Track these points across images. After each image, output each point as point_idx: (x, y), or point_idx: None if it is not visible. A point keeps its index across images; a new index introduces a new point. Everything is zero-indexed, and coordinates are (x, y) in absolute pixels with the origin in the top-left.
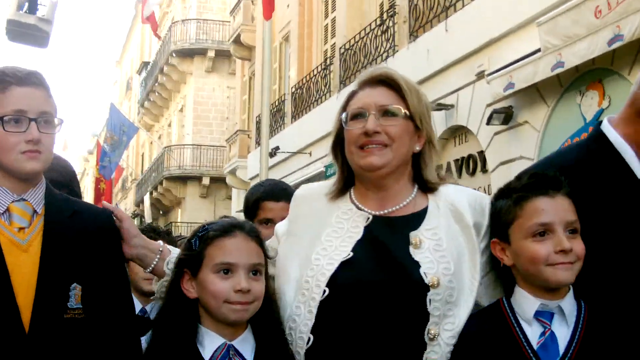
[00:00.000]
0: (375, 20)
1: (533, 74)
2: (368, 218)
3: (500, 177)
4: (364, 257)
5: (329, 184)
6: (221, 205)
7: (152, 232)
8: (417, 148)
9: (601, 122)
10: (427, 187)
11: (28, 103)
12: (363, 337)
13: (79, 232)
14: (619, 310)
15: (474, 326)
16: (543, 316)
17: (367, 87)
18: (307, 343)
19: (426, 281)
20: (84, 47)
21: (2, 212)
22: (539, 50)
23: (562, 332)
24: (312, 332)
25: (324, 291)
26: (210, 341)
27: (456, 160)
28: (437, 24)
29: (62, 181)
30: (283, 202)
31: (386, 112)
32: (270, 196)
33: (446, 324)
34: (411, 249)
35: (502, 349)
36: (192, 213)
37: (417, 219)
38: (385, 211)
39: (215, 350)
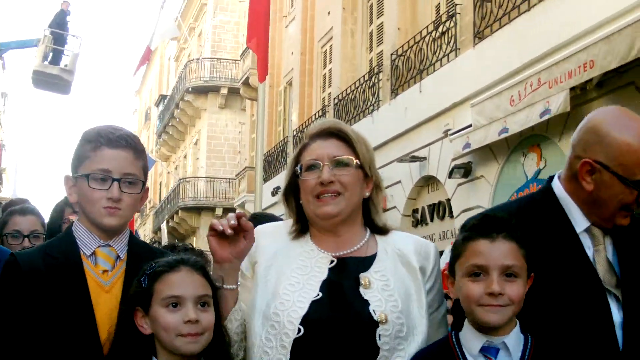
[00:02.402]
0: (364, 76)
1: (484, 137)
2: (332, 261)
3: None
4: (328, 297)
5: (288, 224)
6: None
7: (171, 249)
8: (367, 194)
9: (552, 177)
10: (378, 230)
11: (114, 164)
12: None
13: None
14: (561, 346)
15: (422, 359)
16: (488, 352)
17: (319, 139)
18: None
19: (375, 318)
20: (105, 76)
21: (89, 254)
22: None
23: None
24: None
25: (299, 329)
26: None
27: (429, 206)
28: (413, 84)
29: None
30: None
31: (339, 163)
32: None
33: (396, 358)
34: (361, 289)
35: None
36: (206, 241)
37: (367, 261)
38: (341, 253)
39: None
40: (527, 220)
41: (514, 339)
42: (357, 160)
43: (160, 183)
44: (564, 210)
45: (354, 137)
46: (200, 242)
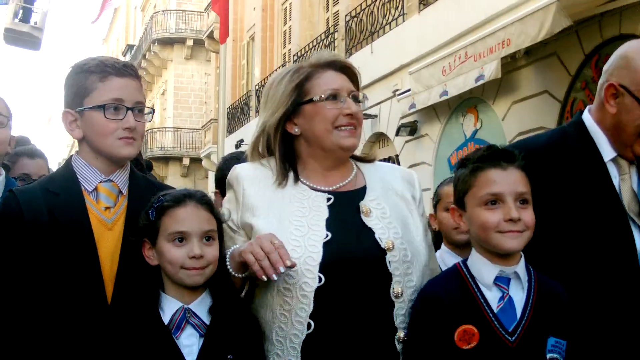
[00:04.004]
0: (321, 35)
1: (427, 98)
2: (329, 198)
3: None
4: (337, 234)
5: (267, 165)
6: (200, 183)
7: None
8: None
9: (583, 111)
10: (361, 160)
11: (126, 93)
12: (351, 309)
13: None
14: (569, 277)
15: (435, 290)
16: (501, 281)
17: (330, 70)
18: (309, 328)
19: (382, 245)
20: (72, 23)
21: (91, 190)
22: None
23: (518, 296)
24: (310, 316)
25: (320, 278)
26: (169, 306)
27: (380, 160)
28: (365, 45)
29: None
30: None
31: (355, 97)
32: None
33: (408, 282)
34: (363, 217)
35: (464, 312)
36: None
37: (361, 192)
38: (335, 187)
39: (174, 314)
40: (558, 149)
41: (522, 269)
42: (362, 94)
43: None
44: (592, 140)
45: (358, 73)
46: None
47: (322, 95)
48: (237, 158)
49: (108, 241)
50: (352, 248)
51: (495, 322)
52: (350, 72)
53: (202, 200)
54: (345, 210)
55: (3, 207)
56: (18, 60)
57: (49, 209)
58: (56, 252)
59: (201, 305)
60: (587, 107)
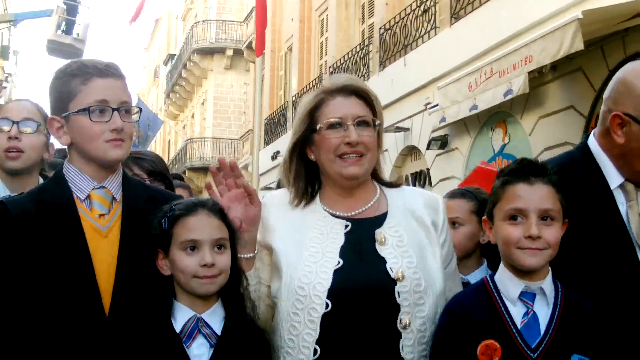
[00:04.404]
0: (356, 47)
1: (457, 112)
2: (347, 225)
3: (440, 192)
4: (349, 262)
5: (287, 192)
6: None
7: (176, 178)
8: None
9: (589, 135)
10: (387, 184)
11: (110, 93)
12: (356, 337)
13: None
14: (596, 293)
15: (461, 304)
16: (526, 297)
17: (339, 96)
18: (315, 354)
19: (392, 276)
20: (116, 32)
21: (83, 198)
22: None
23: (543, 312)
24: (317, 342)
25: (327, 304)
26: (181, 315)
27: (412, 174)
28: (399, 57)
29: (160, 170)
30: None
31: (361, 123)
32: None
33: (418, 312)
34: (377, 246)
35: (488, 327)
36: None
37: (380, 219)
38: (355, 212)
39: (186, 323)
40: (565, 176)
41: (549, 285)
42: (377, 121)
43: (169, 141)
44: (599, 166)
45: (373, 98)
46: None
47: (324, 125)
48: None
49: (103, 250)
50: (361, 277)
51: (518, 338)
52: (365, 95)
53: (213, 208)
54: (361, 238)
55: None
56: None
57: (41, 219)
58: (49, 264)
59: (213, 315)
60: (592, 132)
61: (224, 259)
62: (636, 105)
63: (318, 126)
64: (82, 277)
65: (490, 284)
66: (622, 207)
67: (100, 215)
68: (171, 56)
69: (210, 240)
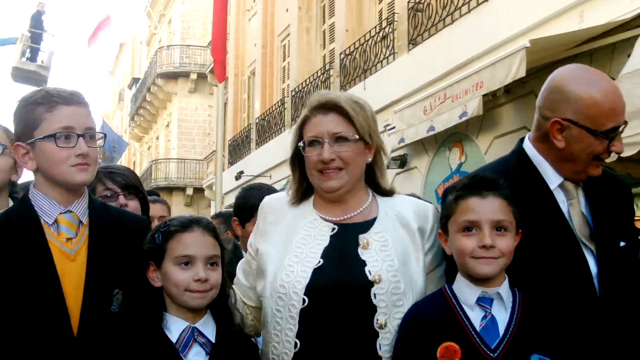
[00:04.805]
0: (317, 71)
1: (415, 133)
2: (334, 229)
3: None
4: (330, 262)
5: (289, 195)
6: (203, 212)
7: (152, 194)
8: (369, 159)
9: (523, 139)
10: (381, 192)
11: (75, 120)
12: (334, 333)
13: (118, 239)
14: (548, 293)
15: (420, 310)
16: (484, 302)
17: (319, 114)
18: (295, 347)
19: (370, 278)
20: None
21: (51, 222)
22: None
23: (501, 316)
24: (297, 336)
25: (304, 300)
26: (175, 325)
27: None
28: (359, 82)
29: (134, 184)
30: None
31: (339, 139)
32: None
33: (396, 313)
34: (360, 250)
35: (448, 331)
36: None
37: (368, 224)
38: (344, 217)
39: (181, 333)
40: (504, 180)
41: (505, 290)
42: (355, 135)
43: (134, 162)
44: (536, 168)
45: (351, 111)
46: None
47: (306, 143)
48: (257, 189)
49: (71, 272)
50: (338, 275)
51: (478, 340)
52: (344, 111)
53: (208, 227)
54: (346, 241)
55: None
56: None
57: (8, 244)
58: (19, 288)
59: (206, 325)
60: (527, 135)
61: (215, 275)
62: (574, 109)
63: (301, 144)
64: (50, 299)
65: (448, 292)
66: (564, 205)
67: (68, 239)
68: (135, 80)
69: (204, 256)
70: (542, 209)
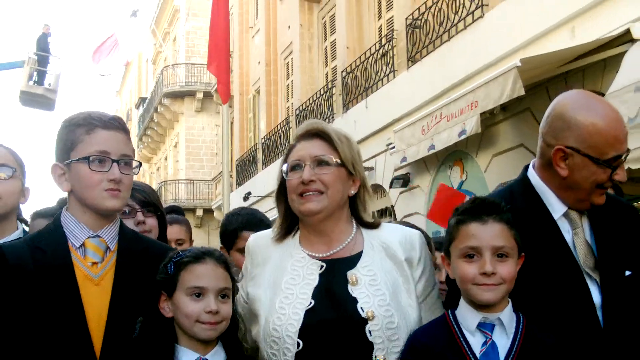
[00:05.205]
0: (320, 90)
1: (417, 152)
2: (322, 266)
3: None
4: (321, 302)
5: (274, 230)
6: (213, 233)
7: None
8: (352, 192)
9: (527, 166)
10: (365, 225)
11: (111, 145)
12: None
13: (146, 268)
14: (551, 323)
15: (422, 336)
16: (485, 327)
17: (303, 140)
18: None
19: (363, 315)
20: (87, 76)
21: (78, 246)
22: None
23: (502, 342)
24: None
25: (298, 343)
26: (186, 356)
27: (378, 211)
28: (361, 100)
29: (153, 201)
30: None
31: (320, 162)
32: (248, 226)
33: (393, 347)
34: (349, 287)
35: (447, 357)
36: None
37: (355, 259)
38: (330, 252)
39: None
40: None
41: (507, 316)
42: (337, 159)
43: None
44: (540, 197)
45: (335, 137)
46: None
47: (289, 168)
48: (237, 214)
49: (95, 297)
50: (331, 316)
51: None
52: (326, 136)
53: (220, 259)
54: (334, 279)
55: None
56: (34, 119)
57: (35, 265)
58: (42, 309)
59: (216, 356)
60: (532, 163)
61: (227, 308)
62: (577, 137)
63: (284, 168)
64: (73, 323)
65: (451, 317)
66: (568, 235)
67: (94, 264)
68: (142, 100)
69: (216, 288)
70: (546, 238)
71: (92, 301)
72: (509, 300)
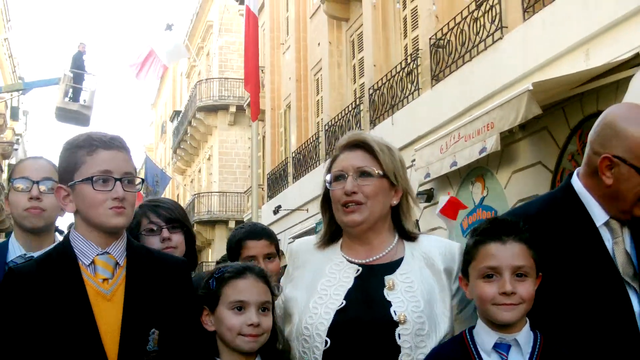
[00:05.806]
0: (348, 106)
1: (440, 168)
2: (358, 270)
3: None
4: (353, 303)
5: (318, 237)
6: None
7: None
8: (395, 202)
9: (572, 174)
10: (407, 236)
11: (113, 164)
12: None
13: (156, 281)
14: (573, 343)
15: (436, 355)
16: (500, 348)
17: (346, 151)
18: None
19: (395, 318)
20: (122, 90)
21: (88, 264)
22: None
23: None
24: None
25: (326, 342)
26: None
27: None
28: (387, 117)
29: (178, 218)
30: (263, 240)
31: (362, 173)
32: (251, 236)
33: (419, 355)
34: (385, 291)
35: None
36: (220, 253)
37: (394, 265)
38: (370, 259)
39: None
40: (549, 217)
41: (524, 336)
42: (379, 171)
43: (178, 196)
44: (583, 205)
45: (377, 148)
46: (215, 254)
47: (332, 178)
48: (240, 227)
49: (108, 312)
50: (362, 315)
51: None
52: (369, 148)
53: (260, 274)
54: (371, 283)
55: (1, 285)
56: (70, 134)
57: (46, 286)
58: (56, 329)
59: None
60: (576, 171)
61: (267, 321)
62: (625, 147)
63: (327, 178)
64: (87, 339)
65: (468, 336)
66: (609, 244)
67: (104, 280)
68: (177, 113)
69: (257, 302)
70: (587, 246)
71: (105, 317)
72: (527, 319)
